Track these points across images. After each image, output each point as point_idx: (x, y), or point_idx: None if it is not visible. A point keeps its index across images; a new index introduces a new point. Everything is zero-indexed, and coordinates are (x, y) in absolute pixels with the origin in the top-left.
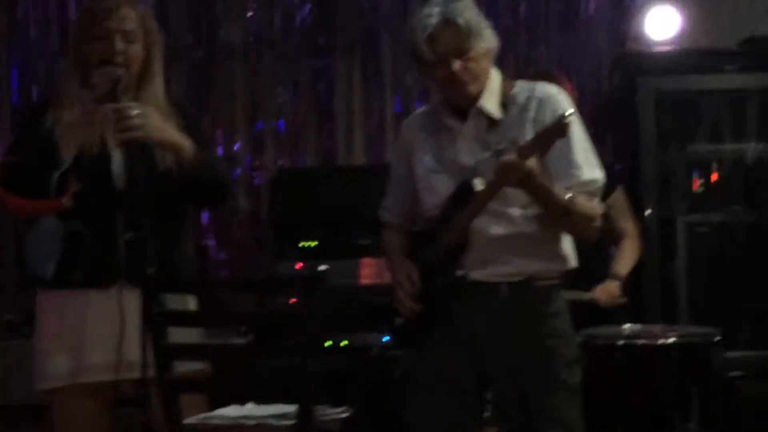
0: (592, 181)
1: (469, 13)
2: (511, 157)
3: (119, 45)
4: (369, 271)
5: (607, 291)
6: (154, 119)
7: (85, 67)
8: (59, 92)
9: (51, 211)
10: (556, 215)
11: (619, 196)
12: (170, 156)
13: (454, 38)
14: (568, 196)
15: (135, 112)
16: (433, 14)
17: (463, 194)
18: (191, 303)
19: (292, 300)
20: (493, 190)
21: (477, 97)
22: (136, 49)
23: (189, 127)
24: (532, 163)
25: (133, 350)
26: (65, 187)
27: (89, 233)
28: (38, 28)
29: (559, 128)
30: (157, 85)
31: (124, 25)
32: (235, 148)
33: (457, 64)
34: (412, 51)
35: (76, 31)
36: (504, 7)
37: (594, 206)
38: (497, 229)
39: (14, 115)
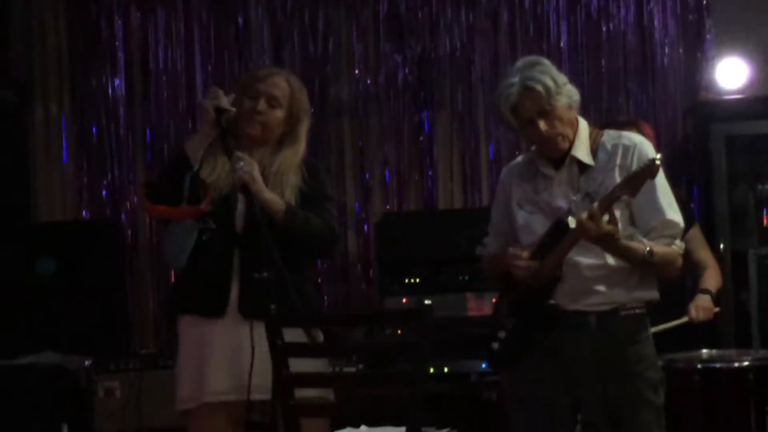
0: (674, 223)
1: (546, 77)
2: (587, 217)
3: (262, 105)
4: (475, 304)
5: (701, 305)
6: (256, 176)
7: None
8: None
9: (192, 216)
10: (636, 265)
11: (696, 231)
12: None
13: (536, 102)
14: (647, 249)
15: (240, 164)
16: (513, 83)
17: (558, 231)
18: (320, 336)
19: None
20: (574, 240)
21: (569, 146)
22: (277, 115)
23: (311, 183)
24: (608, 225)
25: (256, 375)
26: (200, 195)
27: (219, 232)
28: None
29: (650, 170)
30: (296, 149)
31: (271, 91)
32: (345, 196)
33: (542, 124)
34: (500, 117)
35: (237, 88)
36: (587, 62)
37: (673, 251)
38: (589, 261)
39: (147, 171)
